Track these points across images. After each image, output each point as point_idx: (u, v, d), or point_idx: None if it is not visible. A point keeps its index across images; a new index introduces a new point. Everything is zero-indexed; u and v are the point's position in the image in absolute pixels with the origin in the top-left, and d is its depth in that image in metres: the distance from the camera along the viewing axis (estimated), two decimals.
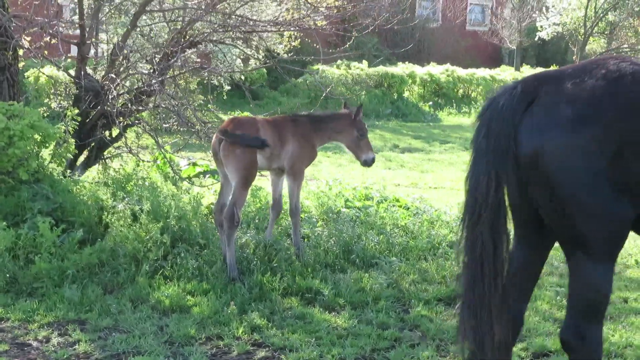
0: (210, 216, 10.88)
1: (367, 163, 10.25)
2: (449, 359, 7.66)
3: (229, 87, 18.19)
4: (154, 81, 11.26)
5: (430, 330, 8.27)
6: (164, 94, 11.01)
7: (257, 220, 11.01)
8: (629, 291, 9.55)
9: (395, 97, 33.56)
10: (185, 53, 11.43)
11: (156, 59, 11.81)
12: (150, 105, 11.67)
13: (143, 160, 12.16)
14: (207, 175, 12.98)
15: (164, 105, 11.25)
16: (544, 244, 5.96)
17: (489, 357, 5.78)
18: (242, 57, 16.59)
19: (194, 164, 12.86)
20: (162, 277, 9.46)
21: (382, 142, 24.94)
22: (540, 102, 5.50)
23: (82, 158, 12.23)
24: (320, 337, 8.09)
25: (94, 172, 12.66)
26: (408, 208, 12.22)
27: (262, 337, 8.09)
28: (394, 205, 12.16)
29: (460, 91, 35.83)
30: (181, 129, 11.94)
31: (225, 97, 19.64)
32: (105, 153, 12.42)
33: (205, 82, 13.39)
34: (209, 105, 12.06)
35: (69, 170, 11.20)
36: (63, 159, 10.99)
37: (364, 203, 11.97)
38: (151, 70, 11.65)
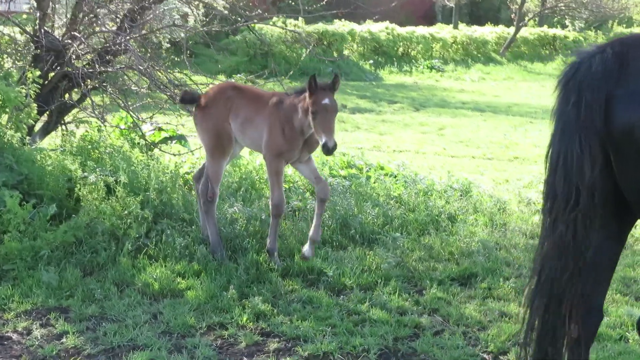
0: (193, 189, 10.05)
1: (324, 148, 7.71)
2: (480, 348, 7.00)
3: (168, 45, 17.19)
4: (121, 39, 10.28)
5: (451, 315, 7.61)
6: (133, 53, 10.02)
7: (242, 192, 10.18)
8: None
9: (336, 56, 32.78)
10: (155, 7, 10.45)
11: (119, 16, 10.82)
12: (118, 66, 10.67)
13: (106, 126, 11.16)
14: (174, 141, 12.05)
15: (133, 67, 10.25)
16: (622, 229, 5.29)
17: (564, 356, 5.15)
18: (181, 14, 15.59)
19: (160, 129, 11.92)
20: (147, 256, 8.61)
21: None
22: (635, 68, 4.80)
23: (39, 124, 11.19)
24: (334, 324, 7.36)
25: (52, 139, 11.66)
26: (395, 176, 11.51)
27: (269, 325, 7.33)
28: (380, 175, 11.43)
29: (401, 49, 35.20)
30: (151, 92, 10.98)
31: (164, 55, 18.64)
32: (65, 118, 11.40)
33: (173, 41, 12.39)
34: (186, 71, 11.09)
35: (28, 138, 10.18)
36: (24, 126, 9.95)
37: (349, 172, 11.22)
38: (118, 28, 10.64)
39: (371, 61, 33.58)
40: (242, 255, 8.65)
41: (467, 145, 17.42)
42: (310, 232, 8.41)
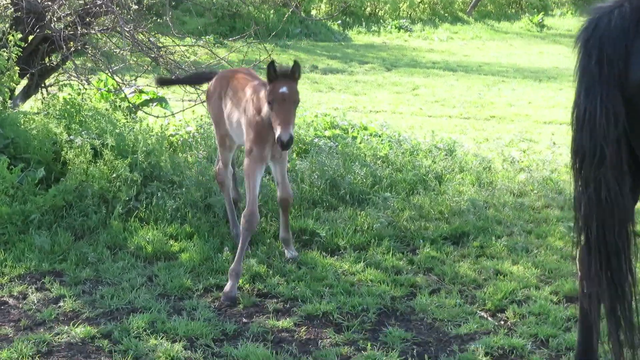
0: (179, 148, 10.01)
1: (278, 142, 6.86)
2: (477, 306, 7.07)
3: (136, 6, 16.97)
4: (101, 1, 10.16)
5: (446, 274, 7.66)
6: (117, 15, 9.89)
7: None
8: (638, 224, 9.09)
9: (304, 16, 32.56)
10: None
11: None
12: (99, 28, 10.53)
13: (86, 89, 11.03)
14: (155, 104, 11.95)
15: (117, 29, 10.12)
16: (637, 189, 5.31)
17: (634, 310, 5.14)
18: None
19: (140, 92, 11.81)
20: (138, 219, 8.58)
21: (300, 63, 24.11)
22: None
23: (19, 87, 11.04)
24: (330, 284, 7.40)
25: (33, 102, 11.52)
26: (379, 136, 11.51)
27: (265, 286, 7.36)
28: (365, 136, 11.42)
29: (368, 9, 35.03)
30: (131, 55, 10.86)
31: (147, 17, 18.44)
32: (46, 82, 11.25)
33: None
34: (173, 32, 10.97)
35: (9, 101, 10.05)
36: (6, 89, 9.82)
37: (333, 132, 11.20)
38: None
39: (339, 21, 33.37)
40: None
41: (442, 105, 17.44)
42: (280, 233, 8.01)
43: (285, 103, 6.86)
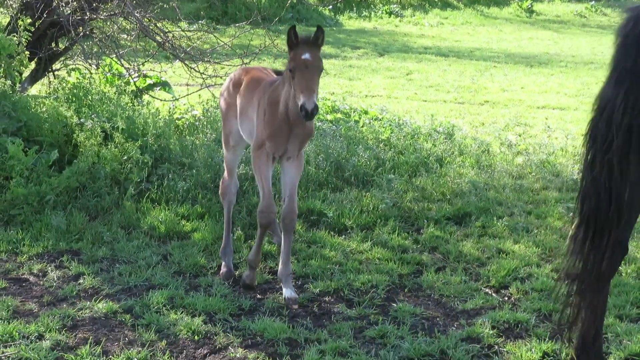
0: (186, 131, 10.25)
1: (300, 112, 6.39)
2: (482, 283, 7.36)
3: None
4: None
5: (450, 253, 7.95)
6: (126, 1, 10.11)
7: None
8: None
9: (296, 1, 32.72)
10: None
11: None
12: (107, 13, 10.75)
13: (92, 73, 11.25)
14: (158, 88, 12.18)
15: (125, 15, 10.34)
16: None
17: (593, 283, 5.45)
18: None
19: (145, 76, 12.03)
20: (149, 200, 8.83)
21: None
22: None
23: (27, 71, 11.25)
24: (340, 262, 7.69)
25: (40, 86, 11.74)
26: (380, 120, 11.78)
27: (277, 264, 7.59)
28: (367, 119, 11.69)
29: None
30: (139, 40, 11.09)
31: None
32: (53, 66, 11.46)
33: None
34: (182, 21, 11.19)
35: (18, 85, 10.26)
36: (16, 73, 10.04)
37: (335, 116, 11.46)
38: None
39: (330, 7, 33.54)
40: (243, 198, 8.88)
41: (437, 90, 17.71)
42: (279, 267, 7.16)
43: (307, 70, 6.40)
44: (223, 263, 7.50)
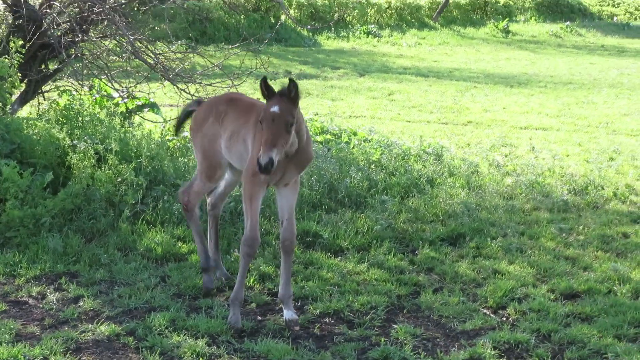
0: (177, 153, 10.28)
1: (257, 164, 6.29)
2: (480, 303, 7.44)
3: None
4: (100, 8, 10.39)
5: (447, 274, 8.04)
6: (118, 23, 10.15)
7: None
8: (623, 225, 9.54)
9: (273, 21, 32.87)
10: None
11: None
12: (99, 35, 10.79)
13: (80, 94, 11.26)
14: (147, 109, 12.20)
15: (118, 36, 10.39)
16: None
17: None
18: None
19: (134, 97, 12.05)
20: (145, 222, 8.85)
21: (272, 68, 24.37)
22: None
23: (17, 92, 11.23)
24: (338, 283, 7.75)
25: (30, 108, 11.72)
26: (369, 141, 11.87)
27: (275, 286, 7.65)
28: (356, 141, 11.78)
29: (336, 15, 35.41)
30: (128, 62, 11.12)
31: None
32: (43, 87, 11.47)
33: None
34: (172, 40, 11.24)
35: (8, 107, 10.26)
36: (8, 95, 10.04)
37: (324, 137, 11.53)
38: None
39: (308, 27, 33.69)
40: (239, 219, 8.91)
41: (420, 110, 17.82)
42: (280, 289, 7.07)
43: (273, 124, 6.29)
44: (205, 277, 7.53)
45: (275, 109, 6.33)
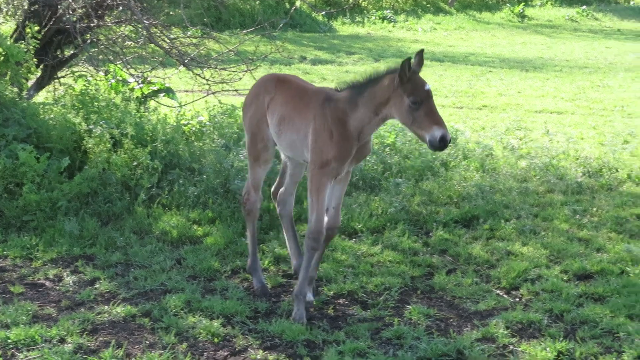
0: (193, 137, 10.34)
1: (433, 145, 6.23)
2: (493, 284, 7.47)
3: None
4: None
5: (460, 255, 8.07)
6: (134, 9, 10.20)
7: (243, 142, 10.46)
8: (637, 207, 9.54)
9: (288, 7, 32.86)
10: None
11: None
12: (115, 20, 10.85)
13: (96, 79, 11.33)
14: (162, 94, 12.26)
15: (134, 21, 10.44)
16: None
17: None
18: None
19: (149, 82, 12.11)
20: (160, 205, 8.92)
21: (287, 54, 24.41)
22: None
23: (33, 78, 11.32)
24: (352, 265, 7.80)
25: (45, 93, 11.81)
26: (384, 124, 11.84)
27: (290, 267, 7.70)
28: None
29: (351, 0, 35.37)
30: (144, 47, 11.19)
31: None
32: (58, 73, 11.55)
33: None
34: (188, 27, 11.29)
35: (24, 92, 10.35)
36: (24, 80, 10.12)
37: None
38: None
39: (323, 12, 33.68)
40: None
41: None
42: (311, 273, 6.91)
43: (431, 100, 6.29)
44: (254, 280, 7.30)
45: (428, 86, 6.34)
